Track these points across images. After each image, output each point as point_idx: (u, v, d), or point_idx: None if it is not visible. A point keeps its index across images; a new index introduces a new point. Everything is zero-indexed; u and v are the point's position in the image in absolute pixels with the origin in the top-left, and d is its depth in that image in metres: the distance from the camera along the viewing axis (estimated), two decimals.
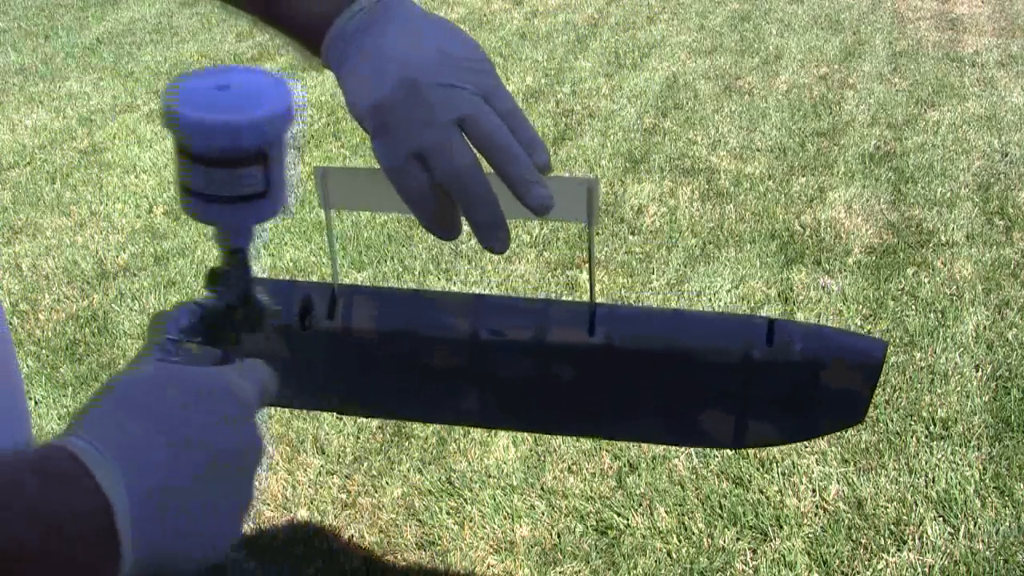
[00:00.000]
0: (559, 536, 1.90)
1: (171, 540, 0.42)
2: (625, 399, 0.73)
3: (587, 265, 0.74)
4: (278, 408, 2.31)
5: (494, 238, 0.58)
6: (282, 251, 2.99)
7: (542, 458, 2.10)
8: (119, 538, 0.39)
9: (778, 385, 0.71)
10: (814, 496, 1.96)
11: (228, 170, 0.50)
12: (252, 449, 0.47)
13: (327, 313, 0.73)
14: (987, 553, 1.80)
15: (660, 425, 0.75)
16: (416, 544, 1.91)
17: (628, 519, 1.93)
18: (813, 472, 2.01)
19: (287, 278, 0.85)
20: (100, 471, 0.39)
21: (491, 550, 1.89)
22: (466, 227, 0.62)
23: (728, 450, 2.09)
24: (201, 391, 0.46)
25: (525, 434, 2.16)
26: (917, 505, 1.92)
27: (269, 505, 2.03)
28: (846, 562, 1.81)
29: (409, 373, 0.75)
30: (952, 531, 1.86)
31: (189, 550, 0.43)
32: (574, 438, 2.14)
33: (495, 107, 0.57)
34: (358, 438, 2.20)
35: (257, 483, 0.47)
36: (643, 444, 2.11)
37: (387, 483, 2.06)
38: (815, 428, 0.76)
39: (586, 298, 0.73)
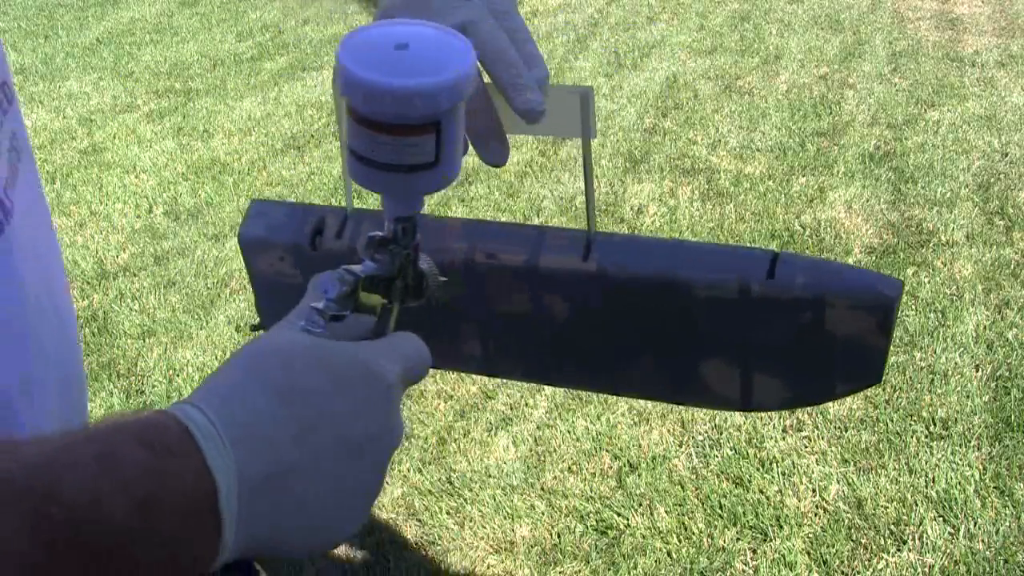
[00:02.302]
0: (559, 536, 1.90)
1: (289, 524, 0.40)
2: (621, 338, 0.68)
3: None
4: None
5: (490, 148, 0.58)
6: None
7: (542, 458, 2.10)
8: (221, 520, 0.37)
9: (780, 327, 0.64)
10: (814, 496, 1.96)
11: (397, 137, 0.46)
12: (386, 434, 0.44)
13: (336, 233, 0.71)
14: (987, 553, 1.80)
15: (661, 376, 0.69)
16: (416, 544, 1.91)
17: (628, 519, 1.93)
18: (813, 472, 2.01)
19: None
20: (211, 449, 0.37)
21: (491, 550, 1.89)
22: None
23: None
24: (339, 372, 0.42)
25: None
26: (917, 505, 1.92)
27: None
28: (846, 562, 1.81)
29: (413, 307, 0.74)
30: (952, 531, 1.86)
31: (308, 535, 0.41)
32: (575, 432, 2.14)
33: (502, 23, 0.57)
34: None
35: (386, 472, 0.45)
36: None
37: (387, 483, 2.06)
38: (828, 387, 0.67)
39: None
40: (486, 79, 0.57)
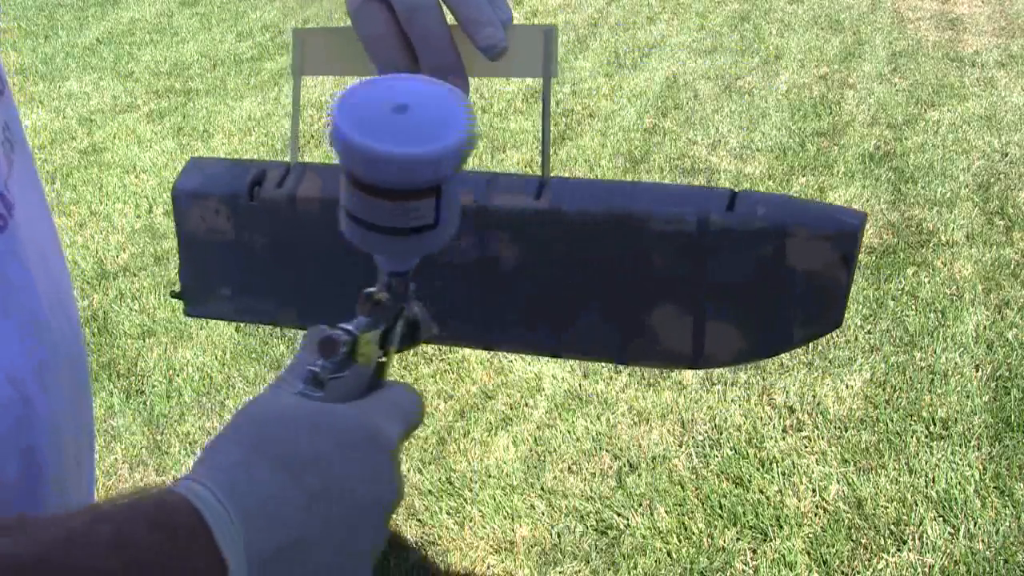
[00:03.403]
0: (559, 536, 1.90)
1: None
2: (572, 288, 0.65)
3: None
4: None
5: (450, 84, 0.57)
6: None
7: (542, 458, 2.10)
8: None
9: (739, 263, 0.61)
10: (814, 496, 1.96)
11: (396, 203, 0.45)
12: (389, 495, 0.44)
13: (277, 183, 0.68)
14: (987, 553, 1.80)
15: (609, 331, 0.66)
16: (416, 544, 1.91)
17: (628, 519, 1.93)
18: (813, 472, 2.01)
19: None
20: (220, 528, 0.37)
21: (491, 550, 1.89)
22: None
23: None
24: (343, 438, 0.42)
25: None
26: (917, 505, 1.92)
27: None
28: (846, 562, 1.81)
29: (348, 261, 0.66)
30: (952, 531, 1.86)
31: None
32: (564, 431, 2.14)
33: None
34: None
35: (388, 527, 0.45)
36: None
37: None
38: (786, 335, 0.63)
39: None
40: (450, 20, 0.57)
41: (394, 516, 2.05)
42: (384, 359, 0.50)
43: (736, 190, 0.62)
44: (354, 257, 0.68)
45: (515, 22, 0.58)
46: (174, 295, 0.75)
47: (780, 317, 0.63)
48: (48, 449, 0.54)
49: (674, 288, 0.63)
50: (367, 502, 0.42)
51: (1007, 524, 1.86)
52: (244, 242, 0.70)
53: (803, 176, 3.31)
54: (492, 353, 2.43)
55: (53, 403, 0.55)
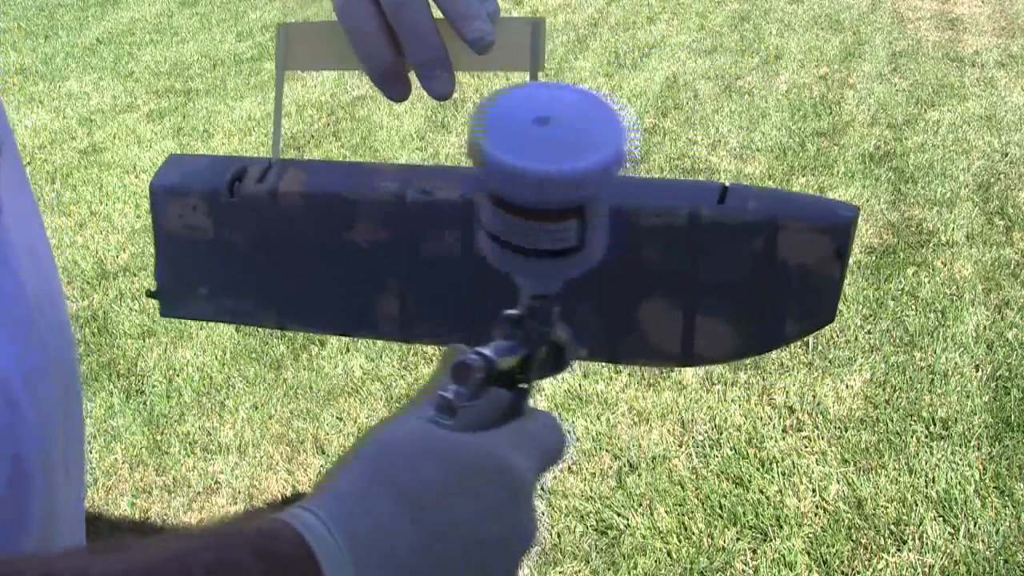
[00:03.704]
0: (559, 536, 1.90)
1: None
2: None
3: None
4: (277, 404, 2.31)
5: (435, 77, 0.56)
6: None
7: None
8: None
9: (731, 257, 0.60)
10: (814, 496, 1.96)
11: (537, 223, 0.42)
12: (518, 539, 0.41)
13: (258, 179, 0.66)
14: (987, 553, 1.80)
15: (598, 328, 0.64)
16: None
17: (628, 519, 1.93)
18: (813, 472, 2.01)
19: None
20: (328, 562, 0.35)
21: None
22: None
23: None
24: (471, 473, 0.40)
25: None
26: (917, 505, 1.92)
27: (269, 505, 2.03)
28: (846, 562, 1.81)
29: (332, 258, 0.67)
30: (952, 531, 1.86)
31: None
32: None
33: None
34: (358, 438, 2.19)
35: (520, 570, 0.42)
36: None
37: None
38: (779, 330, 0.62)
39: None
40: (436, 13, 0.57)
41: None
42: (524, 386, 0.46)
43: (727, 184, 0.61)
44: (336, 255, 0.66)
45: (503, 15, 0.58)
46: (150, 294, 0.74)
47: (772, 312, 0.62)
48: (36, 457, 0.53)
49: (664, 284, 0.62)
50: (493, 542, 0.40)
51: (1007, 524, 1.86)
52: (223, 240, 0.68)
53: (803, 176, 3.31)
54: None
55: (42, 410, 0.54)
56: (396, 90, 0.58)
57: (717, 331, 0.62)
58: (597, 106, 0.42)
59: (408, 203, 0.64)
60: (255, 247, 0.69)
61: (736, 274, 0.61)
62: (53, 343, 0.57)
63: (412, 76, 0.59)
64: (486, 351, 0.44)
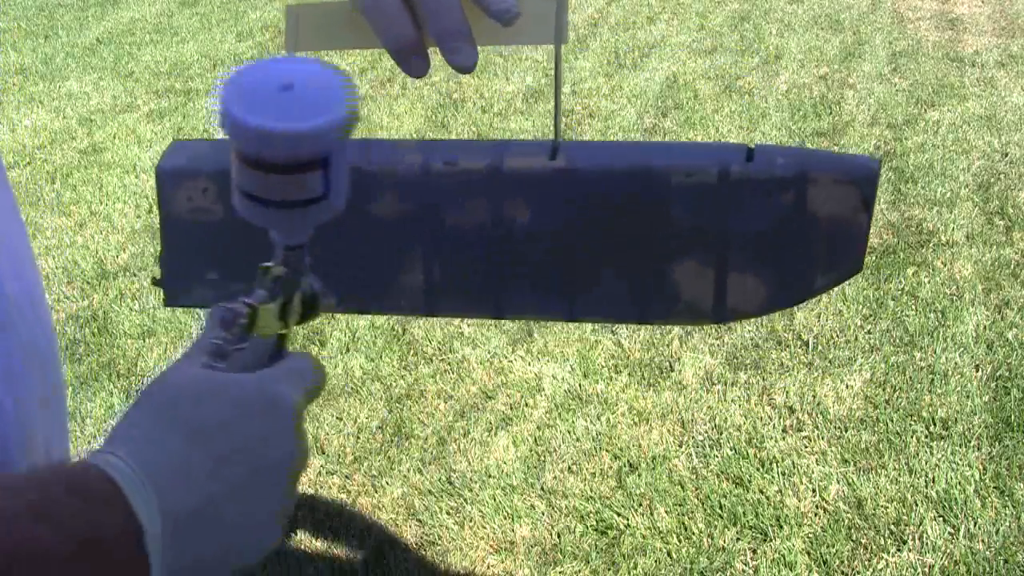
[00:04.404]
0: (559, 536, 1.90)
1: (211, 553, 0.42)
2: (589, 248, 0.64)
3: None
4: None
5: (458, 50, 0.57)
6: None
7: (542, 458, 2.10)
8: (148, 561, 0.39)
9: (761, 212, 0.61)
10: (814, 496, 1.96)
11: (285, 176, 0.48)
12: (292, 459, 0.46)
13: None
14: (987, 553, 1.80)
15: (628, 290, 0.65)
16: (416, 544, 1.91)
17: (628, 519, 1.93)
18: (813, 472, 2.01)
19: None
20: (134, 493, 0.40)
21: (491, 550, 1.89)
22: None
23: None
24: (245, 404, 0.45)
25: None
26: (917, 505, 1.92)
27: None
28: (846, 562, 1.81)
29: (354, 233, 0.67)
30: (952, 531, 1.86)
31: (229, 558, 0.43)
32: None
33: None
34: (358, 438, 2.20)
35: (296, 488, 0.47)
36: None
37: (387, 483, 2.06)
38: (809, 282, 0.63)
39: None
40: None
41: (394, 516, 2.05)
42: (284, 331, 0.52)
43: (751, 145, 0.62)
44: (358, 230, 0.67)
45: None
46: (155, 283, 0.74)
47: (803, 264, 0.63)
48: (16, 450, 0.54)
49: (694, 242, 0.63)
50: (271, 463, 0.45)
51: (1007, 524, 1.86)
52: (235, 221, 0.70)
53: None
54: (491, 353, 2.43)
55: (22, 412, 0.54)
56: (417, 66, 0.59)
57: (748, 285, 0.63)
58: (331, 76, 0.49)
59: (432, 174, 0.64)
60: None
61: (766, 228, 0.62)
62: (33, 343, 0.58)
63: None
64: (248, 300, 0.50)
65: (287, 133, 0.46)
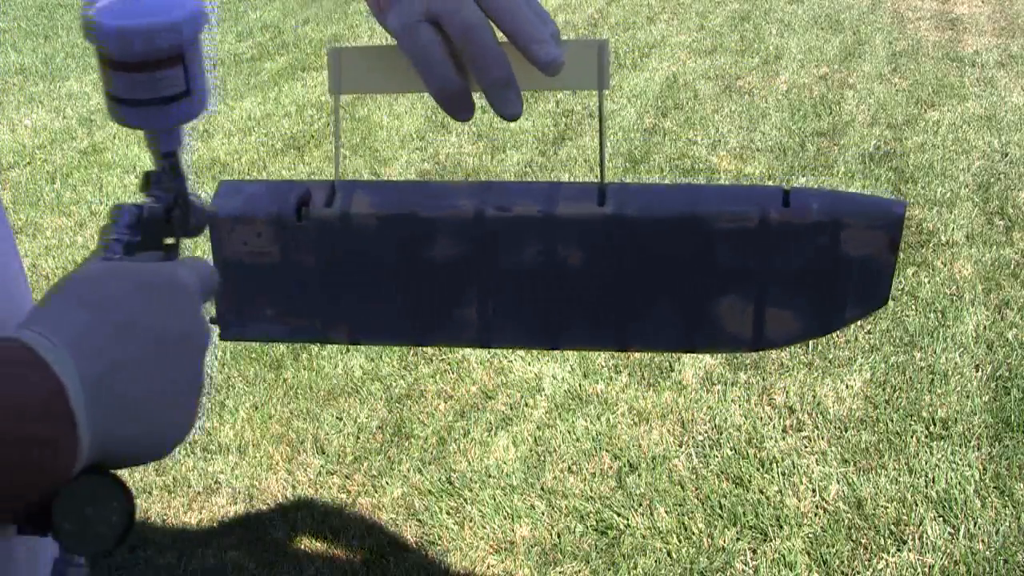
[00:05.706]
0: (559, 536, 1.90)
1: (123, 422, 0.44)
2: (638, 286, 0.69)
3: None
4: (278, 404, 2.31)
5: (506, 99, 0.59)
6: None
7: (542, 458, 2.10)
8: (75, 418, 0.41)
9: (797, 253, 0.68)
10: (814, 496, 1.96)
11: (149, 74, 0.52)
12: (197, 333, 0.48)
13: (326, 202, 0.69)
14: (987, 553, 1.80)
15: (675, 323, 0.70)
16: (416, 544, 1.91)
17: (628, 519, 1.93)
18: (813, 472, 2.01)
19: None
20: (52, 357, 0.41)
21: (491, 550, 1.89)
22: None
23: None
24: (144, 281, 0.48)
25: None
26: (917, 505, 1.92)
27: (269, 505, 2.03)
28: (846, 562, 1.81)
29: (408, 273, 0.71)
30: (952, 531, 1.86)
31: (143, 436, 0.45)
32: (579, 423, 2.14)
33: None
34: (358, 438, 2.20)
35: (206, 371, 0.49)
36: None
37: (387, 483, 2.06)
38: (839, 314, 0.70)
39: None
40: (500, 37, 0.59)
41: (394, 516, 2.05)
42: (173, 241, 0.58)
43: (785, 187, 0.67)
44: (412, 271, 0.71)
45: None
46: (213, 321, 0.75)
47: (834, 299, 0.69)
48: None
49: (736, 280, 0.69)
50: (173, 336, 0.47)
51: (1007, 524, 1.86)
52: (291, 262, 0.71)
53: (803, 176, 3.31)
54: (492, 353, 2.43)
55: None
56: (464, 112, 0.60)
57: (784, 318, 0.70)
58: None
59: (487, 219, 0.68)
60: (325, 267, 0.71)
61: (801, 267, 0.68)
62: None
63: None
64: (138, 202, 0.57)
65: (141, 27, 0.51)
